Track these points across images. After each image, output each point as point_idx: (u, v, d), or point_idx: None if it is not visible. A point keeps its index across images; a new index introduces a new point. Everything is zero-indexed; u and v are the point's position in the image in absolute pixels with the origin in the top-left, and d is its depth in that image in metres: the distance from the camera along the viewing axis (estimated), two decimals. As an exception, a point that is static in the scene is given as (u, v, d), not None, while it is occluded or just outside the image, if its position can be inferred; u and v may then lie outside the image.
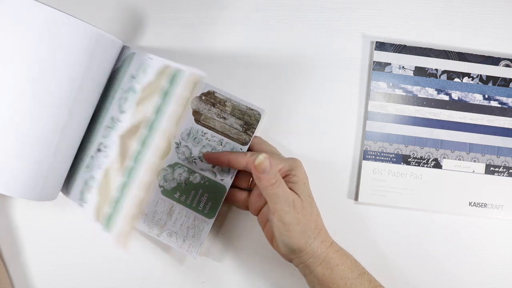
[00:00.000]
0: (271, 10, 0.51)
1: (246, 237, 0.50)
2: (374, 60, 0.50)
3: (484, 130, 0.50)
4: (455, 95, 0.50)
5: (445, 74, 0.50)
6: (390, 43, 0.50)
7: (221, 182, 0.47)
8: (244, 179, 0.46)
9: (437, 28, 0.51)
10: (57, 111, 0.41)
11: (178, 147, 0.47)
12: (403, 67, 0.50)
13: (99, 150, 0.44)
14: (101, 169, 0.44)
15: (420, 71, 0.50)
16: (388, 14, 0.51)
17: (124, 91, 0.44)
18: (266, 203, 0.43)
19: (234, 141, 0.47)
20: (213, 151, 0.47)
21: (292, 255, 0.42)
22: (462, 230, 0.50)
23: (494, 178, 0.49)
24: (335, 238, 0.44)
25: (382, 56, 0.50)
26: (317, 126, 0.50)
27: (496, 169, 0.50)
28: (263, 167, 0.37)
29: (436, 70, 0.50)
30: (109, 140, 0.44)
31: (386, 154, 0.50)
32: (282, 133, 0.50)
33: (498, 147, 0.50)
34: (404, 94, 0.50)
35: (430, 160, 0.50)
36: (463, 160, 0.50)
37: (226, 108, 0.47)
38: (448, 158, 0.50)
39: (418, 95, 0.50)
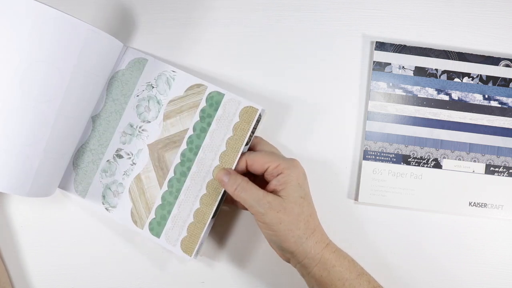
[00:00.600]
0: (271, 10, 0.51)
1: (246, 237, 0.50)
2: (374, 60, 0.50)
3: (484, 130, 0.50)
4: (455, 95, 0.50)
5: (445, 74, 0.50)
6: (390, 43, 0.50)
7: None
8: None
9: (437, 28, 0.51)
10: (46, 105, 0.41)
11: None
12: (403, 67, 0.50)
13: (119, 156, 0.46)
14: (129, 176, 0.46)
15: (420, 71, 0.50)
16: (388, 14, 0.51)
17: (141, 99, 0.46)
18: None
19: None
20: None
21: (286, 255, 0.43)
22: (462, 230, 0.50)
23: (494, 178, 0.49)
24: (335, 238, 0.44)
25: (382, 56, 0.50)
26: (317, 126, 0.50)
27: (496, 169, 0.50)
28: (219, 179, 0.43)
29: (436, 70, 0.50)
30: (132, 147, 0.46)
31: (386, 154, 0.50)
32: (282, 133, 0.50)
33: (498, 147, 0.50)
34: (404, 94, 0.50)
35: (430, 160, 0.50)
36: (463, 160, 0.50)
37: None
38: (448, 158, 0.50)
39: (418, 95, 0.50)
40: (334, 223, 0.49)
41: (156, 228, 0.46)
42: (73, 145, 0.46)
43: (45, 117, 0.41)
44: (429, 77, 0.50)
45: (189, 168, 0.45)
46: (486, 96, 0.50)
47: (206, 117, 0.45)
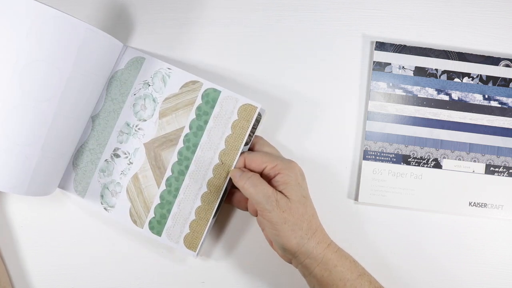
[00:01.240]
0: (271, 10, 0.51)
1: (246, 237, 0.50)
2: (374, 60, 0.50)
3: (484, 130, 0.50)
4: (455, 95, 0.50)
5: (445, 74, 0.50)
6: (390, 43, 0.50)
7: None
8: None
9: (437, 28, 0.51)
10: (46, 105, 0.41)
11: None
12: (403, 67, 0.50)
13: (116, 155, 0.46)
14: (126, 176, 0.46)
15: (420, 71, 0.50)
16: (388, 14, 0.51)
17: (138, 97, 0.46)
18: None
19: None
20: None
21: (288, 256, 0.43)
22: (462, 230, 0.50)
23: (494, 178, 0.49)
24: (335, 238, 0.44)
25: (382, 56, 0.50)
26: (317, 126, 0.50)
27: (496, 169, 0.49)
28: (233, 175, 0.44)
29: (436, 70, 0.50)
30: (129, 146, 0.46)
31: (386, 154, 0.49)
32: (282, 133, 0.50)
33: (498, 147, 0.50)
34: (404, 94, 0.50)
35: (430, 160, 0.50)
36: (463, 160, 0.50)
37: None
38: (448, 158, 0.50)
39: (418, 95, 0.50)
40: (334, 223, 0.49)
41: (157, 226, 0.46)
42: (73, 145, 0.46)
43: (44, 116, 0.41)
44: (429, 77, 0.50)
45: (187, 167, 0.45)
46: (486, 96, 0.50)
47: (203, 115, 0.45)
